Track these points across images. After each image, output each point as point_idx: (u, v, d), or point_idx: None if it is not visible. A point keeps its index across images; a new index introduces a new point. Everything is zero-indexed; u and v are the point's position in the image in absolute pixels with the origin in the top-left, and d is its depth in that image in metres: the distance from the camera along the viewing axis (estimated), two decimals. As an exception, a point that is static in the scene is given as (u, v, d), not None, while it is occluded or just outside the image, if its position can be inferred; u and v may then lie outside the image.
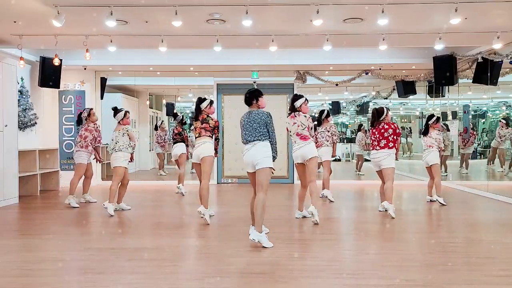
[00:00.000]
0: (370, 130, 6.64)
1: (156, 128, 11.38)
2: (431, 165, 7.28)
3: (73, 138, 9.74)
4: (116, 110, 6.70)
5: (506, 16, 6.06)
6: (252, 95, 4.93)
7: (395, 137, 6.38)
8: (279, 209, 6.69)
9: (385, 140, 6.39)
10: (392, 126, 6.41)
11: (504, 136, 9.52)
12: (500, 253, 4.37)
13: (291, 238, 4.97)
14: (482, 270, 3.80)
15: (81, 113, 7.48)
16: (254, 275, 3.68)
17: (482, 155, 10.36)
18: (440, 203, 7.08)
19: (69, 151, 9.74)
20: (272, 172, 4.73)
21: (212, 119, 5.95)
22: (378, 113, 6.52)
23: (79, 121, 7.44)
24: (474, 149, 10.45)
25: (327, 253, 4.39)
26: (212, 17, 6.10)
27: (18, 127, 7.91)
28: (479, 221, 6.09)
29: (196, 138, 5.97)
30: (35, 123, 9.04)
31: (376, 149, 6.45)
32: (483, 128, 10.49)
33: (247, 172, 4.83)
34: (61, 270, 3.84)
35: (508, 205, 7.21)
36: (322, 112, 7.76)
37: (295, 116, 5.91)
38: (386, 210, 6.35)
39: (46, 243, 4.87)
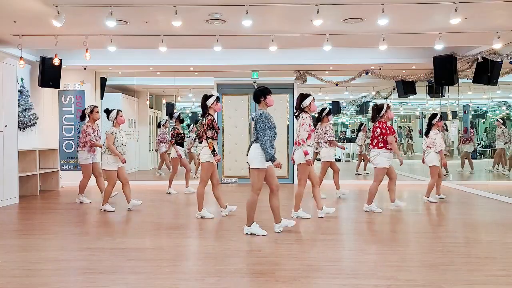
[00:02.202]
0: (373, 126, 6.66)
1: (159, 126, 11.31)
2: (429, 166, 7.32)
3: (73, 138, 9.74)
4: (108, 112, 6.78)
5: (506, 16, 6.06)
6: (261, 93, 5.05)
7: (383, 137, 6.36)
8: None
9: (375, 139, 6.45)
10: (380, 126, 6.40)
11: (499, 135, 9.52)
12: (500, 253, 4.37)
13: (291, 238, 4.97)
14: (482, 270, 3.80)
15: (85, 109, 7.50)
16: (254, 275, 3.68)
17: (482, 155, 10.35)
18: (430, 201, 7.32)
19: (69, 151, 9.74)
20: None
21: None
22: (378, 109, 6.53)
23: (82, 117, 7.46)
24: (474, 148, 10.44)
25: (327, 253, 4.39)
26: (212, 17, 6.10)
27: (18, 127, 7.91)
28: (479, 221, 6.09)
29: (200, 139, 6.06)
30: (35, 123, 9.04)
31: (370, 147, 6.57)
32: (486, 127, 10.48)
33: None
34: (61, 270, 3.84)
35: (508, 205, 7.21)
36: (323, 109, 7.75)
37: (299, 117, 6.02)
38: (397, 206, 6.57)
39: (46, 243, 4.87)
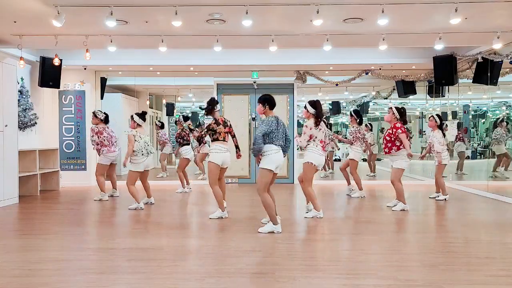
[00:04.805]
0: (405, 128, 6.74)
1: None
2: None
3: (73, 138, 9.74)
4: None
5: (506, 16, 6.06)
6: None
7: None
8: (279, 209, 6.68)
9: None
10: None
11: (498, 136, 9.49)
12: (500, 253, 4.38)
13: (291, 238, 4.97)
14: (482, 270, 3.80)
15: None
16: (254, 275, 3.68)
17: (482, 155, 10.34)
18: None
19: (69, 151, 9.73)
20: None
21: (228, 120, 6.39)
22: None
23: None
24: (474, 149, 10.43)
25: (327, 253, 4.39)
26: (212, 17, 6.10)
27: (18, 127, 7.91)
28: (479, 221, 6.09)
29: (218, 141, 6.28)
30: (35, 123, 9.03)
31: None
32: (487, 127, 10.46)
33: (273, 171, 5.13)
34: (61, 270, 3.84)
35: (508, 205, 7.22)
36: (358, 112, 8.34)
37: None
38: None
39: (46, 243, 4.87)
